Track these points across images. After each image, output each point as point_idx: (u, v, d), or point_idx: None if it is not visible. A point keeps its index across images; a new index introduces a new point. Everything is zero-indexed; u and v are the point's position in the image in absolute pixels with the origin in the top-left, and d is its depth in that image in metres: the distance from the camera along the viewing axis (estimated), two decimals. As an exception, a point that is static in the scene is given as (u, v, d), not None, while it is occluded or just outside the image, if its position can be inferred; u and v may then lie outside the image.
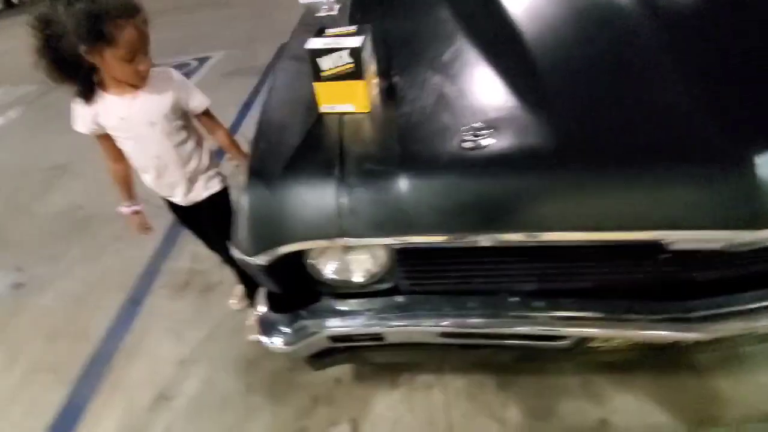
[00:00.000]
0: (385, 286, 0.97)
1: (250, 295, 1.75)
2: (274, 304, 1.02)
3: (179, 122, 1.25)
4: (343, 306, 0.96)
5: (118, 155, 1.30)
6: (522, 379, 1.42)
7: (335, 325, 0.94)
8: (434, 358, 1.48)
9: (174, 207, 1.46)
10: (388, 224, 0.76)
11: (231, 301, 1.86)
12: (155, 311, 1.92)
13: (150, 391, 1.58)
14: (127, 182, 1.39)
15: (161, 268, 2.15)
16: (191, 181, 1.36)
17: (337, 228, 0.77)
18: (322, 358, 1.18)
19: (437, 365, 1.50)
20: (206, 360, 1.66)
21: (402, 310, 0.93)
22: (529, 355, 1.22)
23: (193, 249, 2.22)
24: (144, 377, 1.64)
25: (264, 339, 0.98)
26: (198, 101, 1.27)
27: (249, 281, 1.69)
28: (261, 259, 0.82)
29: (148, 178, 1.35)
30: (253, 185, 0.83)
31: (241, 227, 0.83)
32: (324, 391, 1.49)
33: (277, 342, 0.97)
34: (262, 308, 1.02)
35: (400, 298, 0.95)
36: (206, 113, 1.31)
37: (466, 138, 0.80)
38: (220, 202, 1.45)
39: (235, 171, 1.46)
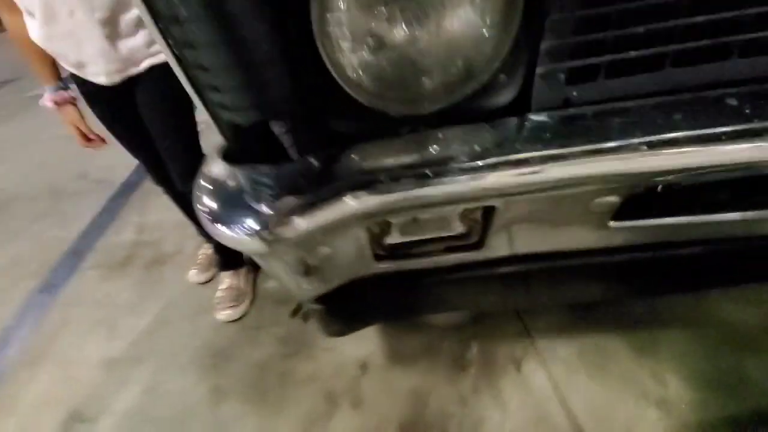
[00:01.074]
0: (495, 102, 0.42)
1: (225, 260, 1.17)
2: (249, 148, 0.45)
3: None
4: (416, 141, 0.41)
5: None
6: (667, 335, 0.87)
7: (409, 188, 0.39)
8: (509, 302, 0.88)
9: (93, 93, 0.87)
10: None
11: (191, 272, 1.26)
12: (79, 299, 1.31)
13: (55, 412, 0.97)
14: (41, 50, 0.82)
15: (94, 246, 1.55)
16: (113, 35, 0.78)
17: None
18: (348, 314, 0.62)
19: (518, 328, 0.94)
20: (151, 358, 1.06)
21: (553, 141, 0.39)
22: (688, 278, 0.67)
23: (139, 220, 1.64)
24: (49, 392, 1.03)
25: (218, 227, 0.41)
26: None
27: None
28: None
29: (34, 27, 0.78)
30: None
31: None
32: (344, 385, 0.90)
33: (247, 227, 0.40)
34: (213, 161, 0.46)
35: (541, 117, 0.41)
36: None
37: None
38: (169, 75, 0.88)
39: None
